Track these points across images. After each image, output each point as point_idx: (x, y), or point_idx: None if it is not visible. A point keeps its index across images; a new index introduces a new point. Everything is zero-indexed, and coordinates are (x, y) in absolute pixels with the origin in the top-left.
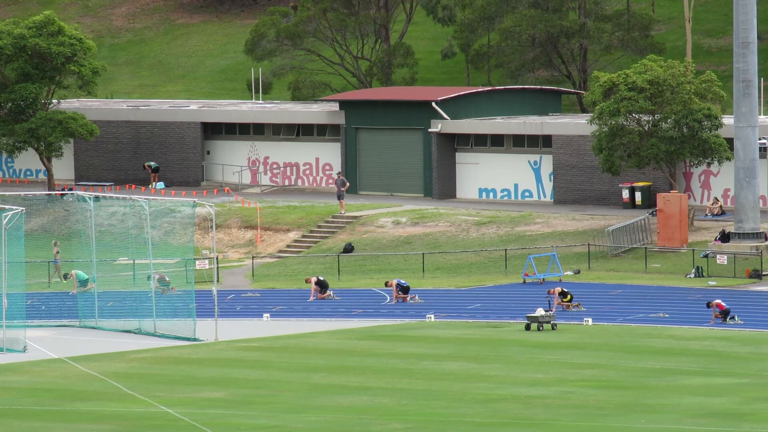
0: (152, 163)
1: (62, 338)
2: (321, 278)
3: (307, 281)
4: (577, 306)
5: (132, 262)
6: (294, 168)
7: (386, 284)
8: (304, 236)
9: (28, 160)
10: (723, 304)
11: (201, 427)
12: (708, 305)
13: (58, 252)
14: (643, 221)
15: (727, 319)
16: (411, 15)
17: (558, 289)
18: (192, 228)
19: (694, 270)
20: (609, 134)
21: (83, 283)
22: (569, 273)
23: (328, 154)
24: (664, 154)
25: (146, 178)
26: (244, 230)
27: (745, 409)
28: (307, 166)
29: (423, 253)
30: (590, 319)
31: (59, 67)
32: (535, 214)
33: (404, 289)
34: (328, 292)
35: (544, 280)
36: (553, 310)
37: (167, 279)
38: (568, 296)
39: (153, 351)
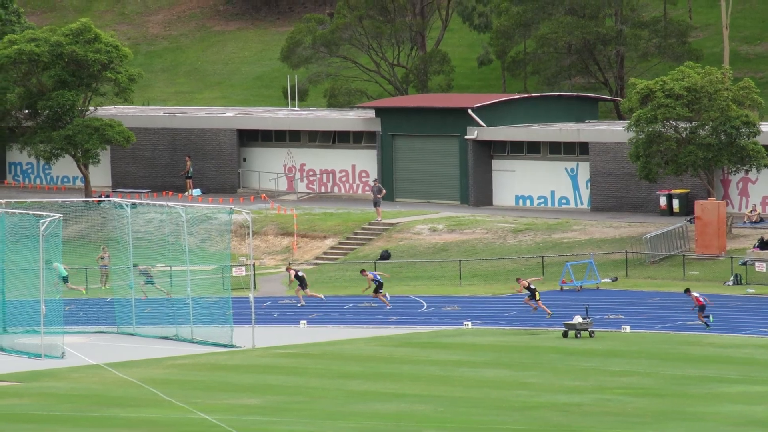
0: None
1: (100, 344)
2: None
3: (363, 273)
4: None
5: (169, 268)
6: (330, 175)
7: (362, 272)
8: (340, 243)
9: (65, 167)
10: (701, 299)
11: None
12: (686, 292)
13: (102, 258)
14: (680, 228)
15: (701, 317)
16: (447, 22)
17: (524, 283)
18: (229, 235)
19: (732, 278)
20: (646, 141)
21: (63, 279)
22: (607, 280)
23: (365, 161)
24: (702, 161)
25: (182, 185)
26: (280, 237)
27: None
28: (344, 173)
29: (460, 260)
30: (628, 327)
31: (96, 74)
32: (572, 222)
33: (380, 285)
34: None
35: (581, 287)
36: (534, 307)
37: (151, 274)
38: (536, 294)
39: (190, 357)
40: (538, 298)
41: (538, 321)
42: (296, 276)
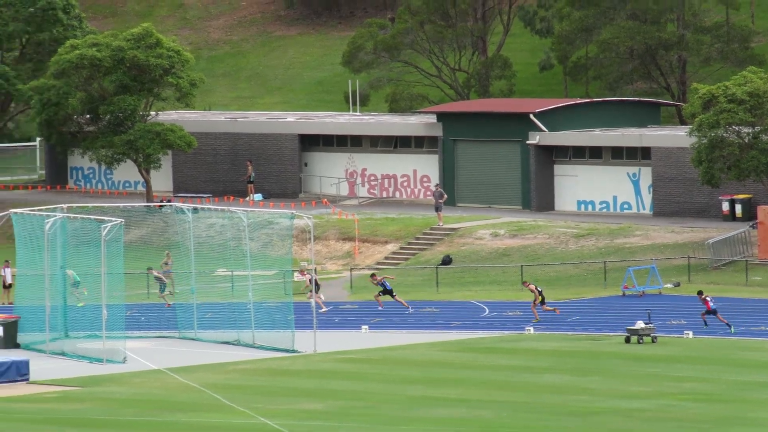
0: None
1: (161, 349)
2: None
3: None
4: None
5: (231, 273)
6: (392, 180)
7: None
8: (402, 248)
9: (126, 171)
10: (710, 303)
11: None
12: (698, 294)
13: (167, 263)
14: (743, 234)
15: (716, 316)
16: (508, 27)
17: (532, 287)
18: (290, 240)
19: None
20: (708, 146)
21: (75, 284)
22: (669, 285)
23: (426, 166)
24: (765, 167)
25: (244, 190)
26: (342, 242)
27: None
28: (405, 178)
29: (521, 266)
30: (691, 332)
31: (157, 79)
32: (635, 227)
33: (387, 292)
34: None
35: (644, 292)
36: (537, 312)
37: (165, 280)
38: (540, 297)
39: (252, 362)
40: (541, 302)
41: (601, 326)
42: (311, 280)
